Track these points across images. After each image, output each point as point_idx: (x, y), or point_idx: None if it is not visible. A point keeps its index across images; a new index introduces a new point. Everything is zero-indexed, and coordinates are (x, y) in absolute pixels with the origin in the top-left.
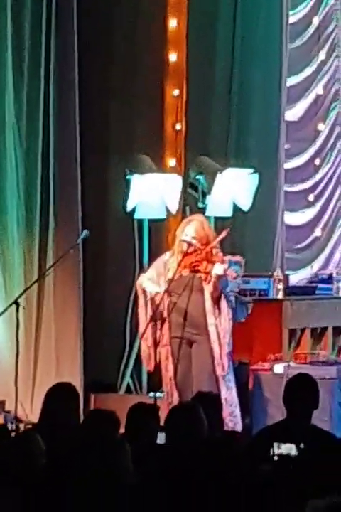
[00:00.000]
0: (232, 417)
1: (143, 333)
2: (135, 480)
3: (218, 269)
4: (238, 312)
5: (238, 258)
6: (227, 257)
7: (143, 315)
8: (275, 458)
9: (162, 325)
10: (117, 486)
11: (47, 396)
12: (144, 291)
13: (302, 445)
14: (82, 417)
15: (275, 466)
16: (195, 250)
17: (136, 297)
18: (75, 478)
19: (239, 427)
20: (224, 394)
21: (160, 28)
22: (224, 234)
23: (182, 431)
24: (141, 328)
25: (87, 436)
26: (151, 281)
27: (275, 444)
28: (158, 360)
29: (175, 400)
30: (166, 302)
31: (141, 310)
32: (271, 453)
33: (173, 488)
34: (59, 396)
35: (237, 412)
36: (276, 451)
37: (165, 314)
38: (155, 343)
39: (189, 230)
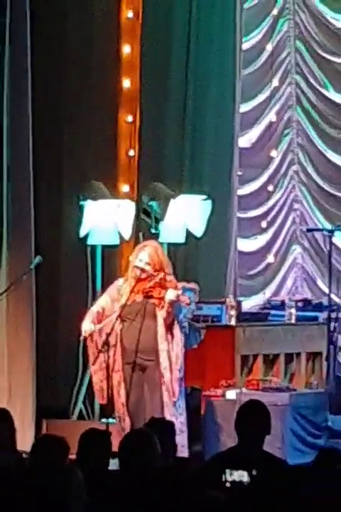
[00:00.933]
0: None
1: (94, 363)
2: (87, 507)
3: (171, 294)
4: (191, 338)
5: (192, 285)
6: (182, 284)
7: (91, 347)
8: (228, 484)
9: (114, 352)
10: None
11: None
12: (91, 334)
13: (254, 472)
14: (31, 442)
15: (227, 492)
16: (148, 276)
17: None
18: (21, 506)
19: (184, 455)
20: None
21: (114, 54)
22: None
23: (135, 457)
24: (91, 361)
25: (36, 462)
26: (94, 317)
27: (227, 471)
28: (110, 393)
29: (127, 425)
30: (119, 328)
31: (88, 344)
32: (223, 479)
33: None
34: None
35: (181, 439)
36: (228, 478)
37: (112, 343)
38: (108, 377)
39: (142, 256)
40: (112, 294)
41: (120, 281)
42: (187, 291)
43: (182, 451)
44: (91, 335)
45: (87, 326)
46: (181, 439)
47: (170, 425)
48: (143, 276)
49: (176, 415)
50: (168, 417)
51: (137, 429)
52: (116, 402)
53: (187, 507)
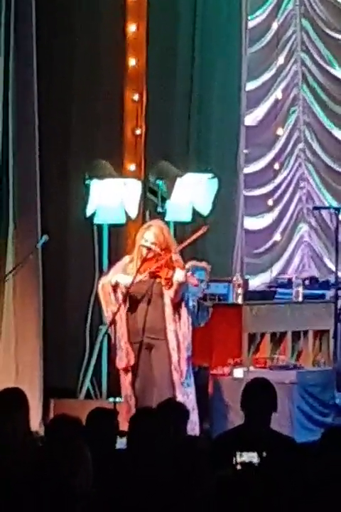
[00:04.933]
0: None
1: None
2: (94, 485)
3: (179, 275)
4: (199, 317)
5: (204, 264)
6: (192, 262)
7: (110, 300)
8: (238, 467)
9: (120, 331)
10: (77, 492)
11: None
12: (116, 285)
13: (264, 453)
14: (38, 422)
15: (238, 474)
16: (155, 255)
17: (97, 297)
18: (33, 488)
19: (196, 433)
20: (180, 399)
21: (120, 33)
22: (203, 230)
23: (144, 437)
24: (108, 314)
25: (52, 442)
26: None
27: (237, 453)
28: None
29: (133, 404)
30: (125, 308)
31: (108, 295)
32: (234, 462)
33: (133, 495)
34: (3, 403)
35: (194, 417)
36: (239, 459)
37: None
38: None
39: (148, 236)
40: (118, 271)
41: (126, 259)
42: (198, 270)
43: (194, 429)
44: (116, 286)
45: (124, 279)
46: (193, 417)
47: (185, 411)
48: (150, 255)
49: (187, 394)
50: (178, 396)
51: (146, 408)
52: (122, 382)
53: (197, 487)
